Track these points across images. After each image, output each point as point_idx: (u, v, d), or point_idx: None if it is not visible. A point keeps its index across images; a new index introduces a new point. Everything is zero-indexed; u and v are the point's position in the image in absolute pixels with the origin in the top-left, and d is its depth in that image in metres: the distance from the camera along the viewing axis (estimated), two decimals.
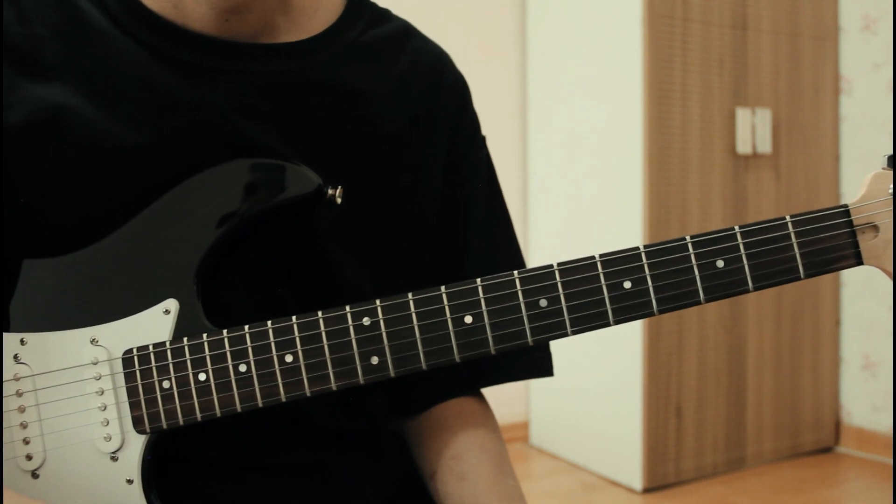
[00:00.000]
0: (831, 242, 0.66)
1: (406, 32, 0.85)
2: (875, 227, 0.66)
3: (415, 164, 0.81)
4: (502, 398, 3.19)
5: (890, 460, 2.81)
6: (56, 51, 0.72)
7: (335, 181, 0.74)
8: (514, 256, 0.90)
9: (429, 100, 0.82)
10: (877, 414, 2.92)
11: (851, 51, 2.95)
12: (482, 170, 0.89)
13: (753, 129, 2.72)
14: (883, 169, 0.67)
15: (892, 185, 0.67)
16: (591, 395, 2.79)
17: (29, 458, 0.68)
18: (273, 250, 0.74)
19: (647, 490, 2.61)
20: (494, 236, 0.88)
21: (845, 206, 0.67)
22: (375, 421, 0.83)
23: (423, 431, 0.85)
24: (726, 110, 2.67)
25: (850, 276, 2.98)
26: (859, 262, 0.66)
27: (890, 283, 2.83)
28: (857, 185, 2.91)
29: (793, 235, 0.66)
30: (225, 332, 0.68)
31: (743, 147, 2.69)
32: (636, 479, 2.61)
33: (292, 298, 0.75)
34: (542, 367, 0.87)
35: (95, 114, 0.71)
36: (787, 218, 0.66)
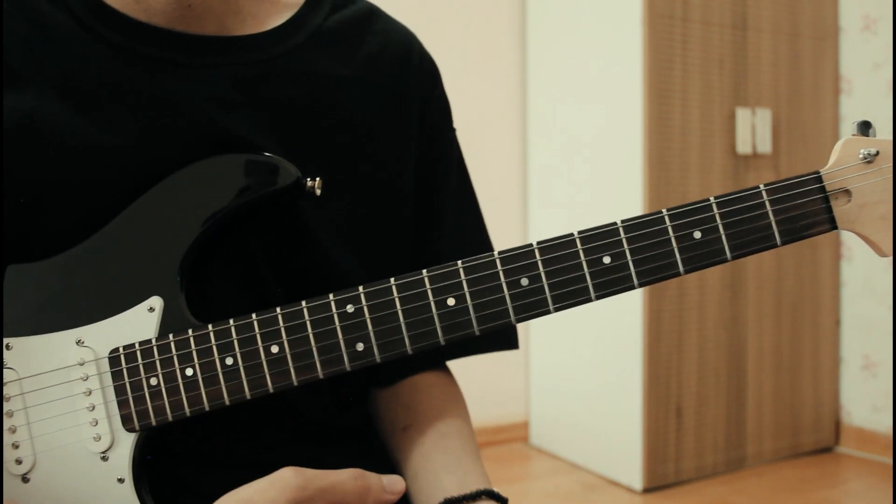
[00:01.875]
0: (805, 209, 0.67)
1: (371, 14, 0.85)
2: (847, 192, 0.67)
3: (390, 145, 0.81)
4: (502, 398, 3.20)
5: (890, 460, 2.81)
6: (23, 57, 0.71)
7: (314, 169, 0.75)
8: (484, 237, 0.91)
9: (398, 80, 0.83)
10: (877, 414, 2.92)
11: (851, 51, 2.95)
12: (453, 150, 0.89)
13: (753, 129, 2.72)
14: (853, 136, 0.68)
15: (864, 151, 0.67)
16: (591, 395, 2.79)
17: (19, 462, 0.68)
18: (257, 242, 0.74)
19: (647, 490, 2.61)
20: (466, 218, 0.89)
21: (817, 172, 0.67)
22: (366, 415, 0.83)
23: (390, 400, 0.86)
24: (726, 110, 2.67)
25: (849, 276, 2.98)
26: (833, 227, 0.67)
27: (890, 283, 2.84)
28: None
29: (767, 203, 0.67)
30: (210, 326, 0.68)
31: (743, 147, 2.70)
32: (636, 479, 2.61)
33: (280, 289, 0.75)
34: (509, 340, 0.88)
35: (70, 117, 0.71)
36: (762, 186, 0.67)
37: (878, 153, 0.66)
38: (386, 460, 0.84)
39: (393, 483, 0.65)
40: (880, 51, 2.87)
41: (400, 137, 0.82)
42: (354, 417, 0.82)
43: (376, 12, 0.85)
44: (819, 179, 0.67)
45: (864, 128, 0.68)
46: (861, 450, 2.95)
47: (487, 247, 0.90)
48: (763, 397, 2.83)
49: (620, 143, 2.62)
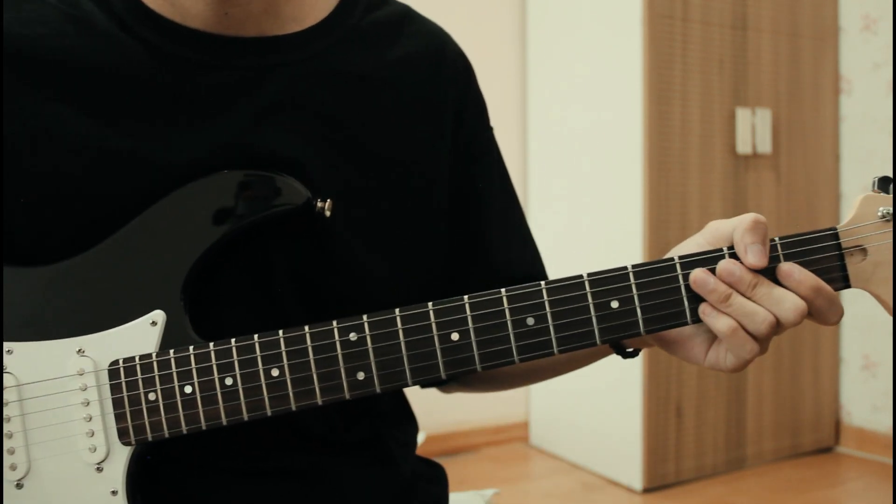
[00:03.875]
0: (819, 265, 0.66)
1: (405, 15, 0.84)
2: (863, 251, 0.66)
3: (423, 146, 0.80)
4: (502, 398, 3.19)
5: (890, 460, 2.81)
6: (54, 48, 0.71)
7: (348, 171, 0.74)
8: (531, 244, 0.89)
9: (432, 80, 0.82)
10: (877, 414, 2.92)
11: (851, 51, 2.95)
12: (493, 150, 0.88)
13: (753, 129, 2.72)
14: (872, 192, 0.66)
15: (882, 209, 0.66)
16: (591, 395, 2.79)
17: (13, 468, 0.68)
18: (271, 257, 0.73)
19: (647, 490, 2.61)
20: (512, 227, 0.88)
21: (834, 228, 0.66)
22: (377, 428, 0.81)
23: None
24: (726, 110, 2.67)
25: None
26: (846, 286, 0.67)
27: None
28: (857, 185, 2.91)
29: (781, 257, 0.66)
30: (212, 345, 0.67)
31: (743, 147, 2.69)
32: (636, 479, 2.61)
33: (297, 305, 0.74)
34: None
35: (92, 115, 0.70)
36: (777, 240, 0.66)
37: None
38: (398, 468, 0.82)
39: None
40: (880, 51, 2.87)
41: (433, 140, 0.81)
42: (363, 431, 0.80)
43: (410, 13, 0.84)
44: (836, 236, 0.66)
45: (884, 184, 0.66)
46: (861, 450, 2.95)
47: (534, 250, 0.88)
48: (763, 397, 2.83)
49: (620, 143, 2.61)
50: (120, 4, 0.73)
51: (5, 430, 0.68)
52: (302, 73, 0.75)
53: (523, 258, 0.87)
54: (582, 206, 2.79)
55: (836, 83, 2.96)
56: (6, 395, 0.68)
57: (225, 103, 0.72)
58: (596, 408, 2.78)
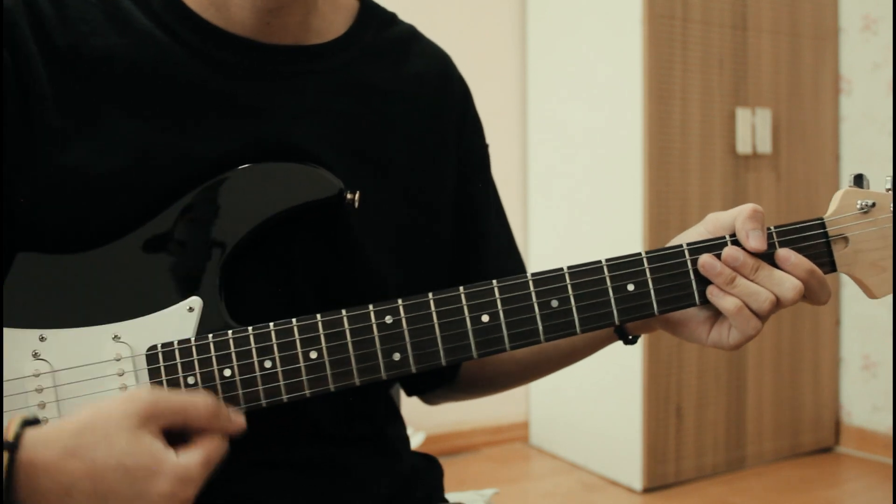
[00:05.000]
0: (810, 251, 0.74)
1: (413, 36, 0.89)
2: (846, 239, 0.75)
3: (432, 161, 0.85)
4: (502, 398, 3.19)
5: (890, 460, 2.81)
6: (97, 46, 0.73)
7: (366, 177, 0.77)
8: (518, 254, 0.96)
9: (439, 99, 0.87)
10: (877, 414, 2.92)
11: (851, 51, 2.95)
12: (488, 166, 0.94)
13: (753, 129, 2.72)
14: (849, 187, 0.76)
15: (861, 202, 0.75)
16: (591, 395, 2.79)
17: None
18: (298, 250, 0.75)
19: (647, 490, 2.61)
20: (504, 237, 0.94)
21: (821, 218, 0.75)
22: (375, 426, 0.84)
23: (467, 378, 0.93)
24: (726, 110, 2.67)
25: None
26: (833, 269, 0.75)
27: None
28: None
29: (777, 244, 0.74)
30: (250, 329, 0.69)
31: (743, 147, 2.69)
32: (636, 479, 2.61)
33: (313, 297, 0.76)
34: None
35: (133, 112, 0.72)
36: (772, 228, 0.74)
37: (874, 204, 0.75)
38: (401, 460, 0.86)
39: (238, 416, 0.65)
40: (880, 51, 2.87)
41: (439, 153, 0.86)
42: (363, 428, 0.83)
43: (417, 34, 0.90)
44: (823, 225, 0.75)
45: (858, 180, 0.76)
46: (861, 450, 2.95)
47: (522, 264, 0.95)
48: (763, 397, 2.83)
49: (620, 143, 2.61)
50: (160, 5, 0.76)
51: (42, 417, 0.68)
52: (329, 82, 0.79)
53: (513, 268, 0.93)
54: (582, 205, 2.79)
55: (836, 83, 2.96)
56: (41, 382, 0.68)
57: (262, 105, 0.76)
58: (596, 408, 2.78)
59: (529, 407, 3.12)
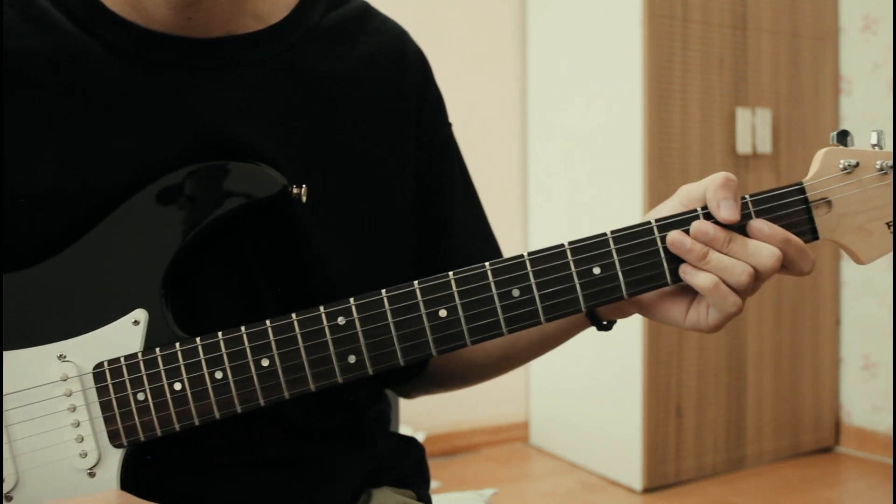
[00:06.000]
0: (789, 219, 0.68)
1: (365, 13, 0.84)
2: (828, 203, 0.69)
3: (387, 144, 0.81)
4: (502, 398, 3.19)
5: (890, 460, 2.81)
6: (16, 48, 0.70)
7: (312, 170, 0.74)
8: (492, 237, 0.91)
9: (393, 78, 0.82)
10: (877, 414, 2.92)
11: (851, 51, 2.95)
12: (453, 146, 0.89)
13: (753, 129, 2.72)
14: (832, 145, 0.69)
15: (843, 161, 0.68)
16: (591, 395, 2.79)
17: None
18: (251, 247, 0.73)
19: (647, 490, 2.61)
20: (474, 219, 0.89)
21: (800, 183, 0.69)
22: (356, 413, 0.82)
23: (445, 368, 0.90)
24: (726, 110, 2.67)
25: (850, 276, 2.98)
26: (815, 237, 0.69)
27: (890, 283, 2.84)
28: None
29: (753, 214, 0.69)
30: (198, 339, 0.67)
31: (743, 147, 2.69)
32: (636, 479, 2.61)
33: (271, 297, 0.74)
34: None
35: (59, 113, 0.69)
36: (748, 197, 0.69)
37: (857, 164, 0.68)
38: (375, 445, 0.84)
39: None
40: (880, 51, 2.87)
41: (396, 137, 0.82)
42: (338, 418, 0.81)
43: (370, 11, 0.85)
44: (802, 190, 0.69)
45: (843, 137, 0.70)
46: (861, 450, 2.95)
47: (496, 247, 0.90)
48: (763, 397, 2.82)
49: (620, 143, 2.61)
50: (75, 4, 0.72)
51: None
52: (265, 73, 0.75)
53: (485, 252, 0.88)
54: (582, 205, 2.79)
55: (836, 83, 2.96)
56: None
57: (192, 102, 0.72)
58: (596, 408, 2.78)
59: (529, 407, 3.12)
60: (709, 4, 2.62)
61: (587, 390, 2.79)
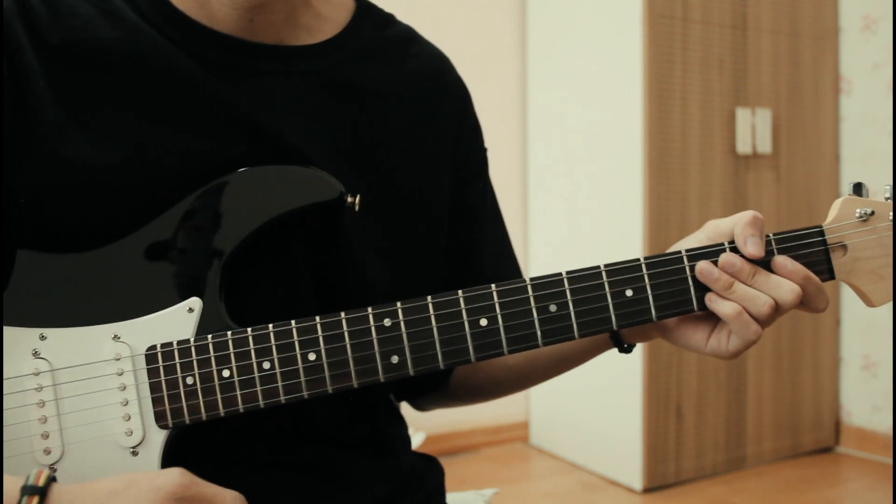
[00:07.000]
0: (808, 259, 0.75)
1: (410, 37, 0.89)
2: (844, 247, 0.75)
3: (427, 163, 0.84)
4: (502, 398, 3.19)
5: (890, 460, 2.81)
6: (90, 39, 0.73)
7: (358, 180, 0.77)
8: (514, 261, 0.95)
9: (435, 100, 0.86)
10: (877, 414, 2.92)
11: (851, 51, 2.95)
12: (486, 171, 0.93)
13: (753, 129, 2.72)
14: (849, 196, 0.76)
15: (860, 210, 0.75)
16: (591, 395, 2.79)
17: (47, 452, 0.68)
18: (300, 251, 0.76)
19: (647, 490, 2.61)
20: (501, 242, 0.94)
21: (820, 226, 0.75)
22: (375, 427, 0.84)
23: (458, 385, 0.93)
24: (726, 110, 2.67)
25: None
26: (832, 277, 0.76)
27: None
28: None
29: (775, 251, 0.74)
30: (249, 330, 0.69)
31: (743, 147, 2.69)
32: (636, 479, 2.61)
33: (314, 299, 0.77)
34: None
35: (128, 105, 0.73)
36: (771, 235, 0.74)
37: (873, 213, 0.75)
38: (399, 459, 0.86)
39: None
40: (880, 51, 2.87)
41: (435, 156, 0.85)
42: (364, 429, 0.83)
43: (414, 35, 0.89)
44: (821, 233, 0.75)
45: (858, 189, 0.76)
46: (861, 450, 2.95)
47: (517, 266, 0.95)
48: (763, 397, 2.83)
49: (620, 142, 2.61)
50: (145, 3, 0.76)
51: (40, 415, 0.68)
52: (316, 84, 0.79)
53: (510, 273, 0.93)
54: (582, 205, 2.79)
55: (836, 83, 2.96)
56: (41, 381, 0.68)
57: (249, 103, 0.75)
58: (596, 408, 2.78)
59: (529, 407, 3.12)
60: (709, 4, 2.62)
61: (587, 390, 2.79)
